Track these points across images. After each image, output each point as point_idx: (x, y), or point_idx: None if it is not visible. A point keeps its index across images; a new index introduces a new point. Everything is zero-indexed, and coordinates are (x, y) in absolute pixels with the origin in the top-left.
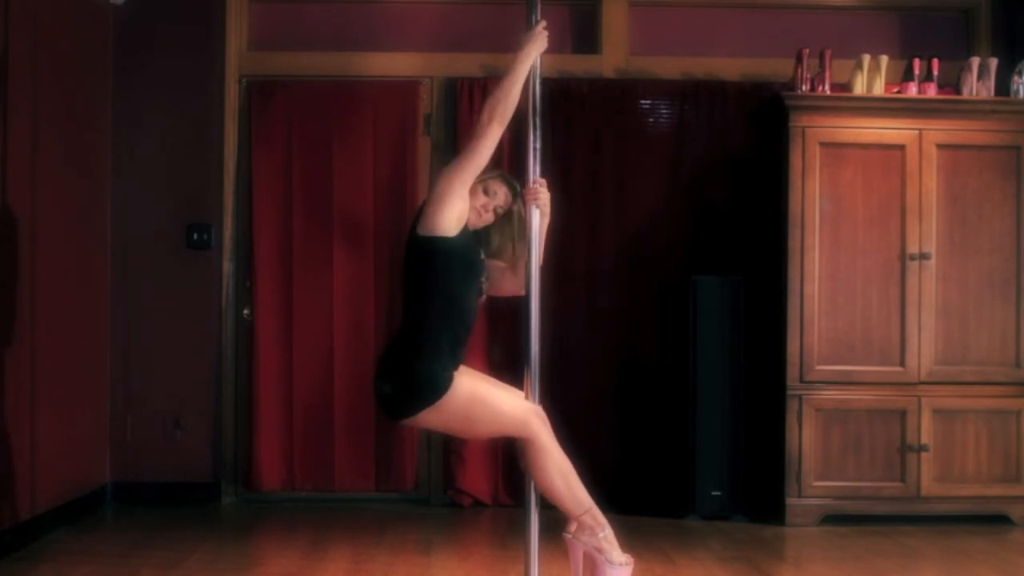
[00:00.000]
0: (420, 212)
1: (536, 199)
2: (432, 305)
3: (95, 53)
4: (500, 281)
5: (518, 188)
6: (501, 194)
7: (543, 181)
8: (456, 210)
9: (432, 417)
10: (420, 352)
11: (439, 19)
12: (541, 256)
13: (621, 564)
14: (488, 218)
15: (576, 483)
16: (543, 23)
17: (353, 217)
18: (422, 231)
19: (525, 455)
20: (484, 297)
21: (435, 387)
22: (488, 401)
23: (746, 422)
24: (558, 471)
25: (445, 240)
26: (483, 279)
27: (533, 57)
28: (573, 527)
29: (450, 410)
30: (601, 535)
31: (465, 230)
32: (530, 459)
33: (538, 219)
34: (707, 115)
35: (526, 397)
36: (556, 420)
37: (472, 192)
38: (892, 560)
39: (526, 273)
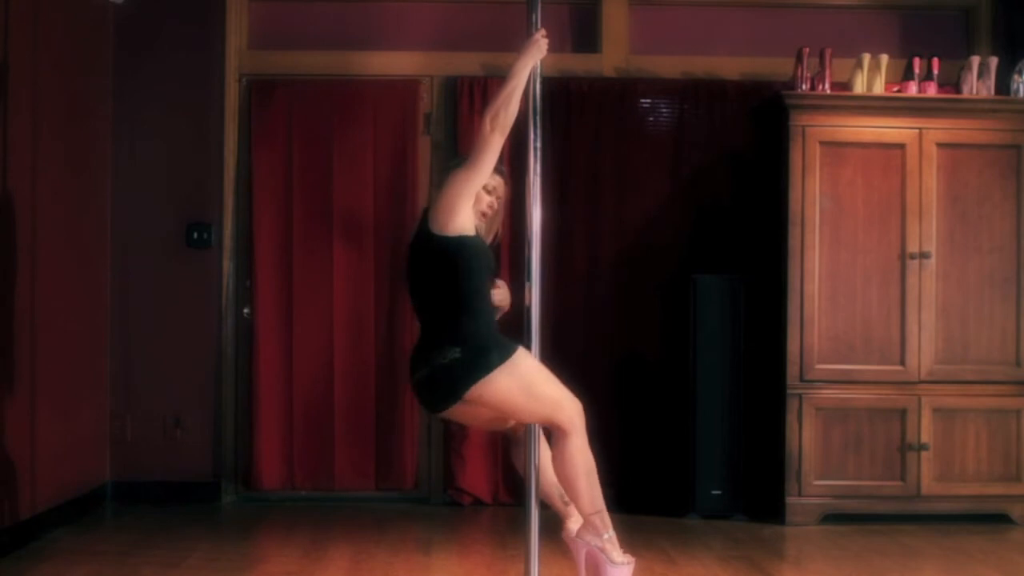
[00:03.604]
0: (426, 218)
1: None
2: (464, 295)
3: (95, 52)
4: None
5: (502, 168)
6: (499, 186)
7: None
8: (467, 213)
9: (494, 388)
10: (471, 325)
11: (439, 18)
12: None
13: (622, 563)
14: (491, 213)
15: (596, 484)
16: (543, 31)
17: (353, 216)
18: (443, 231)
19: (557, 446)
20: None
21: (505, 346)
22: (547, 377)
23: (746, 421)
24: (585, 468)
25: (470, 238)
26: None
27: (531, 64)
28: (571, 524)
29: (518, 375)
30: (605, 536)
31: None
32: (562, 451)
33: (539, 218)
34: (707, 114)
35: None
36: None
37: (476, 197)
38: (892, 559)
39: (527, 273)
